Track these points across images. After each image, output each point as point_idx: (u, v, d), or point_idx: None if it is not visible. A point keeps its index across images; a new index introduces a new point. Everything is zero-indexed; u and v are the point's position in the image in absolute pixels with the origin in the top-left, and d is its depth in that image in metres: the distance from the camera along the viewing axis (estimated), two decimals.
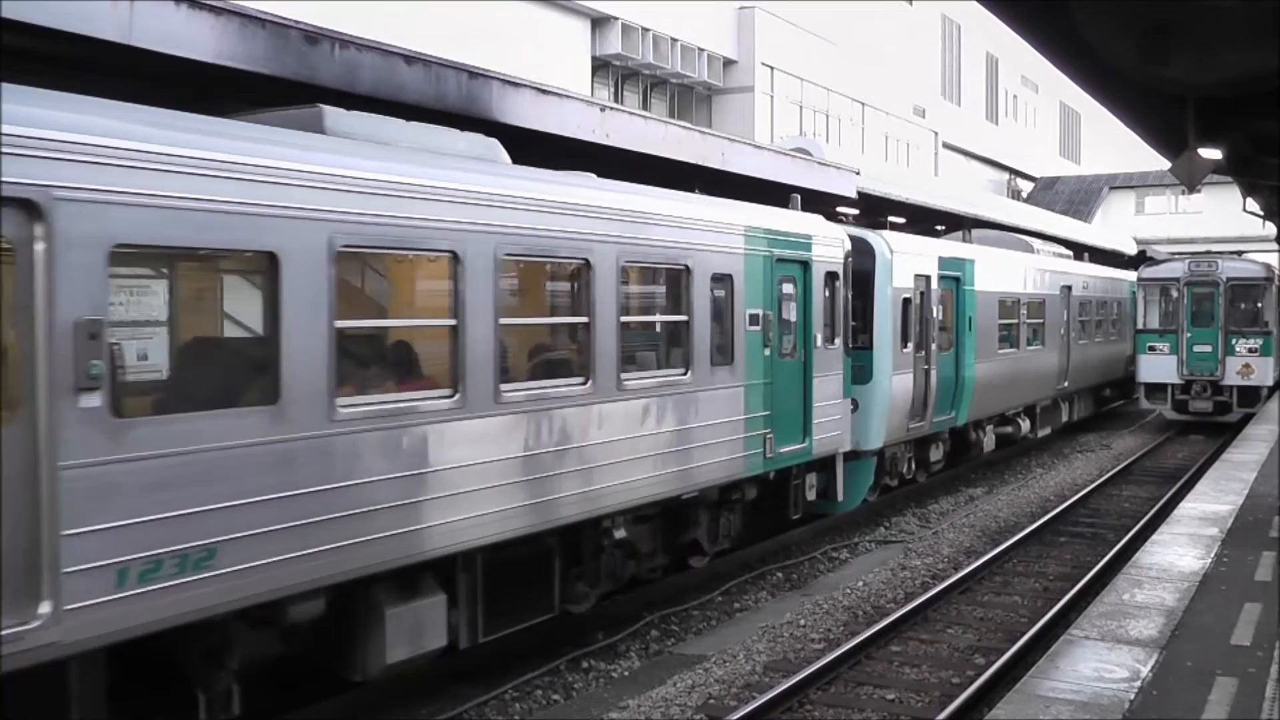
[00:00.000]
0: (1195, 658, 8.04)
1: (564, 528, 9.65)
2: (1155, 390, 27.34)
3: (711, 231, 11.47)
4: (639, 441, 10.26)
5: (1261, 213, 26.20)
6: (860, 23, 40.57)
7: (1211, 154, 13.31)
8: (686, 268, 10.99)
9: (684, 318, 11.05)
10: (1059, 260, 25.83)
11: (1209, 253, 32.29)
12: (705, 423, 11.13)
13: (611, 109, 14.03)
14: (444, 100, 10.80)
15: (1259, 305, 26.90)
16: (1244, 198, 23.61)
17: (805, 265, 13.32)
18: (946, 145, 49.49)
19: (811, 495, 13.81)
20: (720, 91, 35.05)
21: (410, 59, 10.57)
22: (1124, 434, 28.18)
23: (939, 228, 24.13)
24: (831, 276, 14.02)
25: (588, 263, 9.70)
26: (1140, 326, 27.53)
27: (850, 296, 14.67)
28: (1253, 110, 12.69)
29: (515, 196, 8.98)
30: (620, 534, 10.41)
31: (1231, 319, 26.65)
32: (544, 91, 12.33)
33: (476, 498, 8.52)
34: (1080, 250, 31.14)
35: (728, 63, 34.93)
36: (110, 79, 8.51)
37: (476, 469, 8.53)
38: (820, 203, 17.07)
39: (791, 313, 13.19)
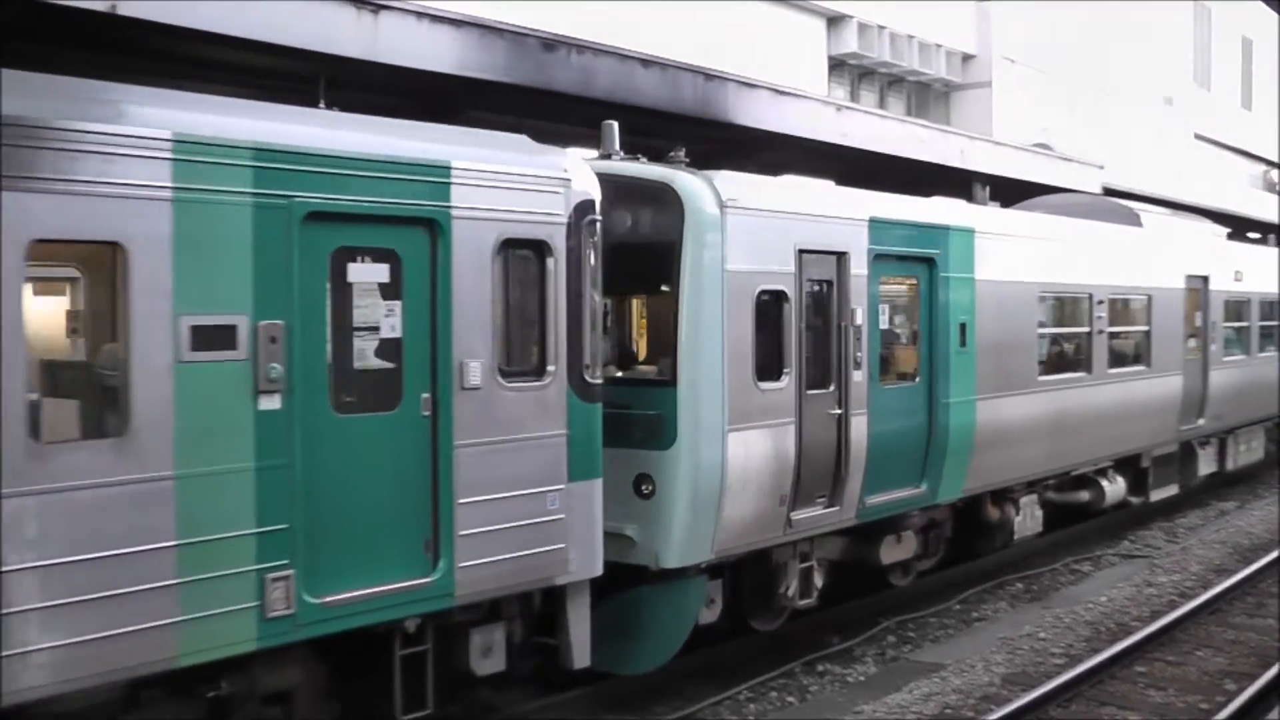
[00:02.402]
0: None
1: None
2: None
3: None
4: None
5: None
6: (1104, 11, 37.27)
7: None
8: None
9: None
10: (1188, 235, 17.90)
11: None
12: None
13: (848, 108, 14.03)
14: (680, 103, 10.85)
15: None
16: None
17: (431, 224, 7.19)
18: (1198, 136, 44.78)
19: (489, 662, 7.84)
20: (958, 88, 34.33)
21: (647, 62, 10.67)
22: None
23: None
24: (509, 247, 7.65)
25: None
26: None
27: (587, 285, 8.09)
28: None
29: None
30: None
31: None
32: (780, 93, 12.23)
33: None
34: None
35: (966, 58, 33.71)
36: (352, 94, 8.72)
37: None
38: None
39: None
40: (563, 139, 9.79)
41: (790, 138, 12.16)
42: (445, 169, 7.28)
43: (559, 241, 7.94)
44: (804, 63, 28.02)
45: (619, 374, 9.59)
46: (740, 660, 10.21)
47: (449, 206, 7.29)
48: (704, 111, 11.06)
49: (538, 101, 9.55)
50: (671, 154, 10.02)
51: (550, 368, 7.92)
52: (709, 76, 11.19)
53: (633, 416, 9.16)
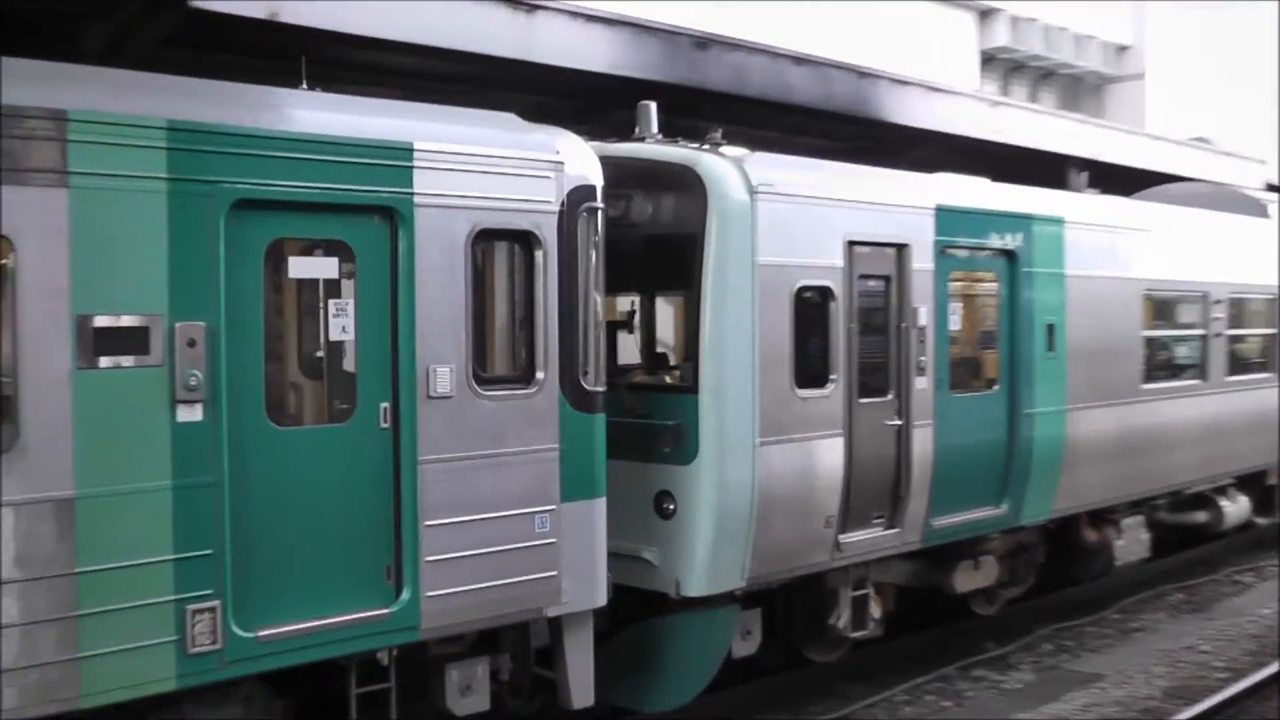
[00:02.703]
0: None
1: None
2: None
3: None
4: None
5: None
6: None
7: None
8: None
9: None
10: None
11: None
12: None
13: (1001, 103, 14.11)
14: (831, 101, 10.83)
15: None
16: None
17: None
18: None
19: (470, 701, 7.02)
20: (1111, 80, 32.66)
21: (799, 60, 10.67)
22: None
23: None
24: (488, 238, 6.83)
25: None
26: None
27: (587, 281, 7.23)
28: None
29: None
30: None
31: None
32: (933, 89, 12.18)
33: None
34: None
35: (1120, 49, 31.47)
36: (507, 94, 8.92)
37: None
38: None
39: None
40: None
41: (942, 135, 12.14)
42: (406, 150, 6.47)
43: (549, 232, 7.06)
44: (955, 58, 27.50)
45: (638, 380, 8.67)
46: (896, 662, 10.41)
47: (411, 193, 6.47)
48: (856, 109, 11.11)
49: (689, 101, 9.64)
50: (709, 134, 9.04)
51: (539, 374, 7.05)
52: (861, 74, 11.28)
53: (653, 427, 8.24)
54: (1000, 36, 29.58)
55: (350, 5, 7.88)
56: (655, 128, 9.07)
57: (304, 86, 7.33)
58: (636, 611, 8.46)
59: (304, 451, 6.20)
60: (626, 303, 8.98)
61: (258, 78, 6.59)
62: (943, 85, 12.79)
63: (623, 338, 8.99)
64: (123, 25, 7.76)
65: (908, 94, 11.81)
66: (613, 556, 8.16)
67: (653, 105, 9.14)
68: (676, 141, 8.85)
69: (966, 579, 10.48)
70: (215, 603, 5.84)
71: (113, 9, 7.64)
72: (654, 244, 8.48)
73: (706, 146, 8.60)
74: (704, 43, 9.92)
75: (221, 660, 5.88)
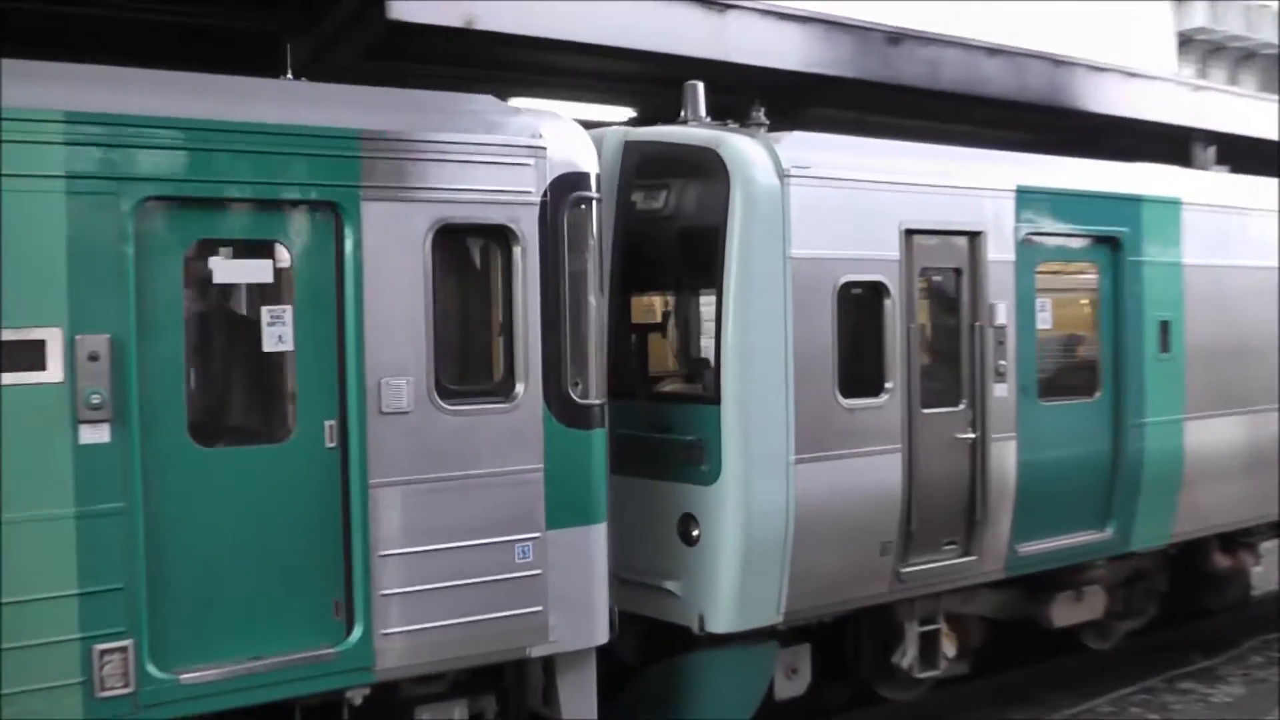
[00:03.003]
0: None
1: None
2: None
3: None
4: None
5: None
6: None
7: None
8: None
9: None
10: None
11: None
12: None
13: (1204, 88, 13.57)
14: (1025, 91, 10.68)
15: None
16: None
17: None
18: None
19: None
20: None
21: (993, 51, 10.52)
22: None
23: None
24: (453, 234, 6.15)
25: None
26: None
27: (586, 281, 6.51)
28: None
29: None
30: None
31: None
32: (1130, 74, 11.87)
33: None
34: None
35: None
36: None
37: None
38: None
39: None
40: (907, 134, 9.78)
41: (1142, 122, 11.72)
42: (350, 139, 5.80)
43: (528, 226, 6.28)
44: (1152, 42, 26.28)
45: (664, 389, 7.82)
46: (1096, 671, 10.05)
47: (357, 185, 5.81)
48: (1051, 99, 10.86)
49: (881, 96, 9.87)
50: (752, 113, 8.12)
51: (518, 386, 6.28)
52: (1057, 62, 11.02)
53: (675, 443, 7.38)
54: (1197, 18, 27.86)
55: (541, 7, 7.97)
56: (703, 110, 8.20)
57: (288, 76, 6.80)
58: (673, 645, 7.65)
59: (235, 475, 5.60)
60: (659, 303, 8.15)
61: (456, 87, 6.70)
62: (1141, 70, 12.41)
63: (656, 343, 8.16)
64: (324, 39, 7.99)
65: (1104, 80, 11.47)
66: (638, 585, 7.43)
67: (700, 85, 8.28)
68: (726, 124, 7.94)
69: (1066, 612, 9.24)
70: (127, 642, 5.29)
71: (314, 23, 7.91)
72: (681, 237, 7.63)
73: (734, 125, 7.69)
74: (897, 37, 9.91)
75: (136, 704, 5.34)
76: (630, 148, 7.84)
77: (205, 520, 5.51)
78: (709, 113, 8.02)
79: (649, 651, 7.82)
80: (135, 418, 5.28)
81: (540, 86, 9.25)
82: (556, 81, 9.37)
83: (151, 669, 5.36)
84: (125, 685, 5.28)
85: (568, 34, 8.08)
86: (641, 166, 7.75)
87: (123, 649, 5.27)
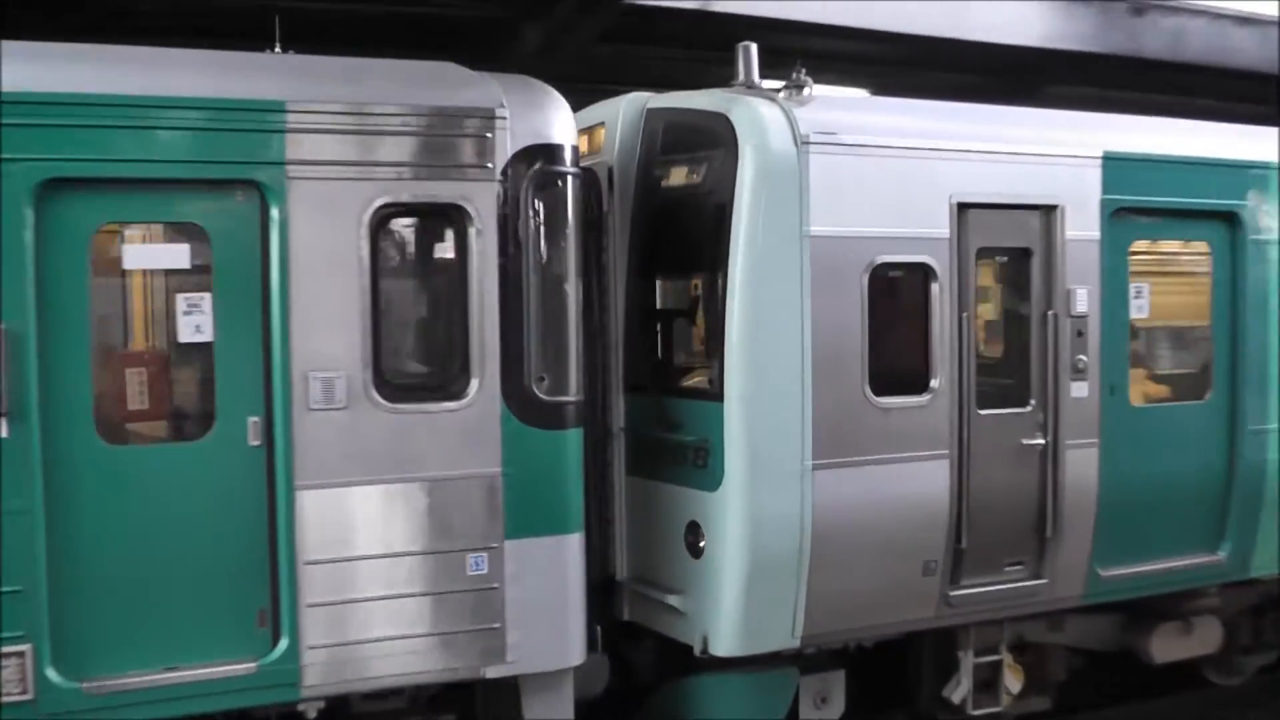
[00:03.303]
0: None
1: None
2: None
3: None
4: None
5: None
6: None
7: None
8: None
9: None
10: None
11: None
12: None
13: None
14: (1275, 63, 10.38)
15: None
16: None
17: None
18: None
19: None
20: None
21: (1243, 20, 10.34)
22: None
23: None
24: (396, 214, 5.65)
25: None
26: None
27: (564, 266, 5.95)
28: None
29: None
30: None
31: None
32: None
33: None
34: None
35: None
36: (939, 74, 9.62)
37: None
38: None
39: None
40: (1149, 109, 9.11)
41: None
42: (274, 111, 5.34)
43: (484, 204, 5.71)
44: None
45: (673, 384, 7.09)
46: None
47: (283, 162, 5.36)
48: None
49: (1115, 71, 9.91)
50: (793, 75, 7.23)
51: (472, 382, 5.72)
52: None
53: (679, 443, 6.67)
54: None
55: None
56: (756, 74, 7.37)
57: (277, 49, 6.42)
58: (690, 664, 6.97)
59: (148, 473, 5.27)
60: (677, 288, 7.41)
61: (694, 70, 6.85)
62: None
63: (670, 332, 7.42)
64: (559, 24, 8.15)
65: None
66: (645, 599, 6.81)
67: (754, 46, 7.46)
68: (754, 87, 7.09)
69: (1171, 645, 8.03)
70: (24, 646, 5.04)
71: (547, 9, 8.06)
72: (695, 214, 6.87)
73: (758, 87, 6.85)
74: (1140, 8, 9.89)
75: (35, 712, 5.08)
76: (653, 115, 7.13)
77: (115, 521, 5.20)
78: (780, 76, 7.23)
79: (664, 670, 7.16)
80: (34, 413, 5.00)
81: (778, 68, 8.78)
82: (793, 64, 9.21)
83: (53, 676, 5.09)
84: (23, 691, 5.04)
85: (804, 15, 8.26)
86: (664, 137, 7.04)
87: (20, 654, 5.02)
